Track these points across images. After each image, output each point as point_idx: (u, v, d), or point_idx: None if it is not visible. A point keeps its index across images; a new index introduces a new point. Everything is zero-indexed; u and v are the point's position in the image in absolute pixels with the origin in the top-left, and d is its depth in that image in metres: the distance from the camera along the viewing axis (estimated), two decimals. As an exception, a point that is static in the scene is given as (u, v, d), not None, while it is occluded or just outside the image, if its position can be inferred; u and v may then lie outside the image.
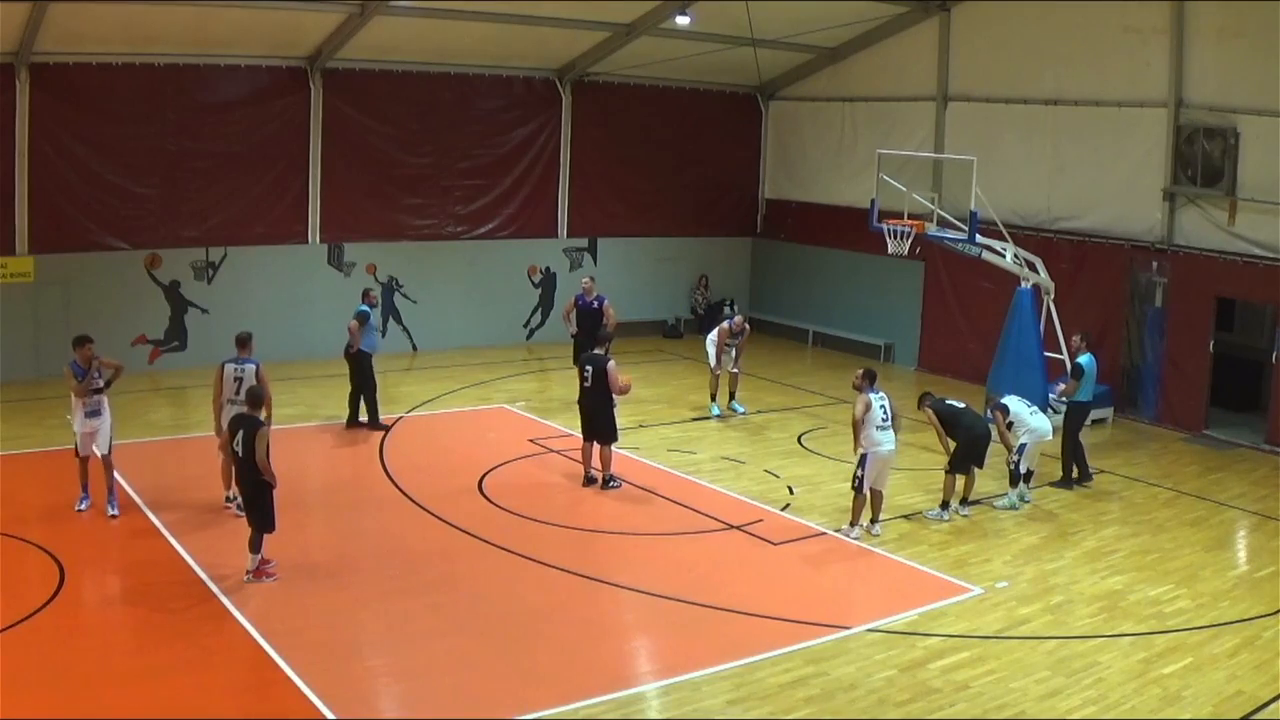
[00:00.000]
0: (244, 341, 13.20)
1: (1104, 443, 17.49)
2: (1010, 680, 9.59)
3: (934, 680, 9.55)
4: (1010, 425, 14.11)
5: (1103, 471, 15.84)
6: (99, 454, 12.53)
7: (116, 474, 13.98)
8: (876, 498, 12.93)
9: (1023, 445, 14.09)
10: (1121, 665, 9.94)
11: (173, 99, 19.29)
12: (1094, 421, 17.99)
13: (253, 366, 12.89)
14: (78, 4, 16.61)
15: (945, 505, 13.69)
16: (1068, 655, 10.10)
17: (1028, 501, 14.29)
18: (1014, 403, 14.25)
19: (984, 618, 10.87)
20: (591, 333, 17.92)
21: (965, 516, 13.71)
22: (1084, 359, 15.20)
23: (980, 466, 13.90)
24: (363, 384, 16.39)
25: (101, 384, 12.51)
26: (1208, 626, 10.85)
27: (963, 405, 14.04)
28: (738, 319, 18.32)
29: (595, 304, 18.38)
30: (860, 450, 12.69)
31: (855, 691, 9.34)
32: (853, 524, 12.85)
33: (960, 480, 13.79)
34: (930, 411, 13.82)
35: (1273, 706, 9.29)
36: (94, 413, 12.46)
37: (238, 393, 12.62)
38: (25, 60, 17.82)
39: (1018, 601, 11.29)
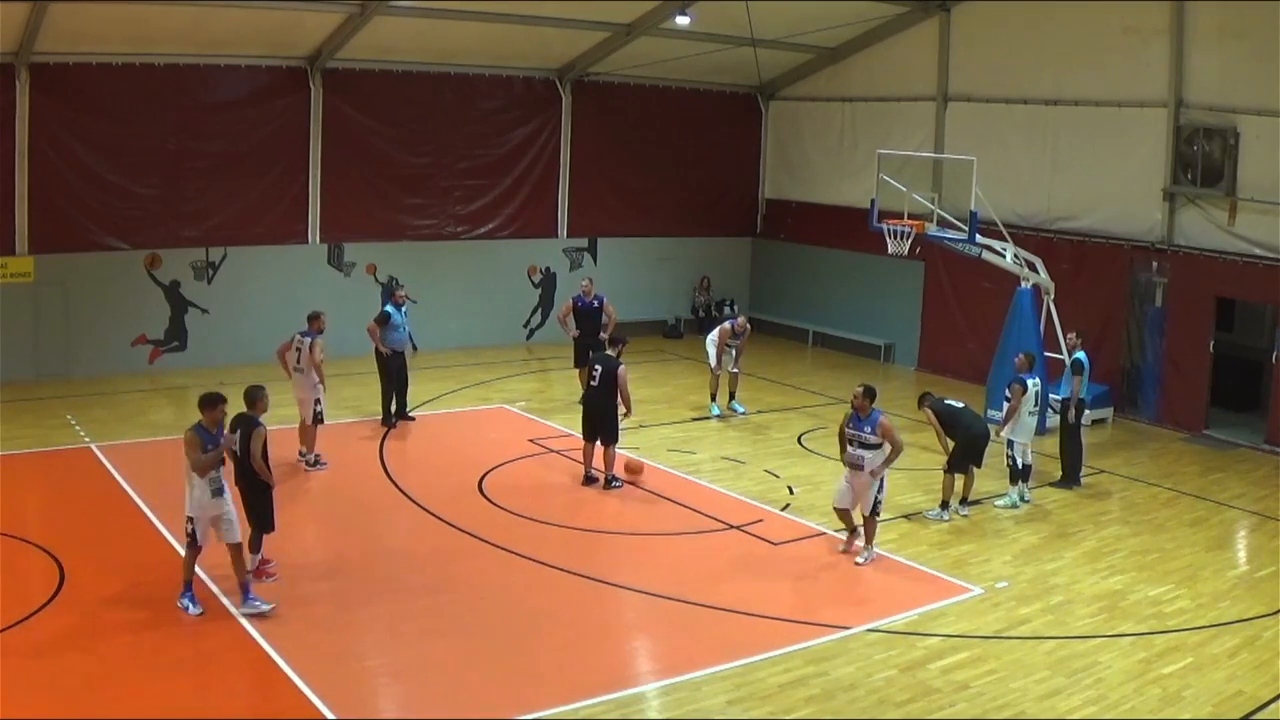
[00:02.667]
0: (311, 318, 14.76)
1: (1104, 443, 17.50)
2: (1010, 680, 9.60)
3: (934, 680, 9.55)
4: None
5: (1102, 471, 15.85)
6: (228, 542, 10.29)
7: (118, 475, 14.05)
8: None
9: (1010, 442, 14.14)
10: (1121, 665, 9.94)
11: (173, 99, 19.29)
12: (1094, 422, 18.03)
13: (309, 340, 14.51)
14: (78, 4, 16.61)
15: (945, 505, 13.69)
16: (1068, 655, 10.10)
17: (1028, 501, 14.30)
18: (1032, 388, 14.24)
19: (984, 618, 10.87)
20: (593, 332, 17.92)
21: (965, 516, 13.71)
22: (1081, 355, 15.18)
23: (979, 466, 13.90)
24: (382, 382, 16.73)
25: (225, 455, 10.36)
26: (1208, 626, 10.85)
27: (961, 405, 14.05)
28: (740, 319, 18.32)
29: (595, 303, 18.38)
30: (883, 475, 11.96)
31: (855, 691, 9.34)
32: (869, 544, 12.16)
33: (959, 480, 13.79)
34: (929, 411, 13.83)
35: (1273, 706, 9.29)
36: (220, 490, 10.20)
37: (298, 362, 14.51)
38: (25, 60, 17.82)
39: (1018, 601, 11.29)
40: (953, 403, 14.06)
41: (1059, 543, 13.05)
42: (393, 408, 16.87)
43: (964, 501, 13.85)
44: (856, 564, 12.04)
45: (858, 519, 12.23)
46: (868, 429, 11.78)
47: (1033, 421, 14.45)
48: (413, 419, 17.12)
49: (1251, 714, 9.18)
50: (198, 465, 10.04)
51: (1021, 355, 14.70)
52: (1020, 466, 14.21)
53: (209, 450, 10.09)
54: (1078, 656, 10.08)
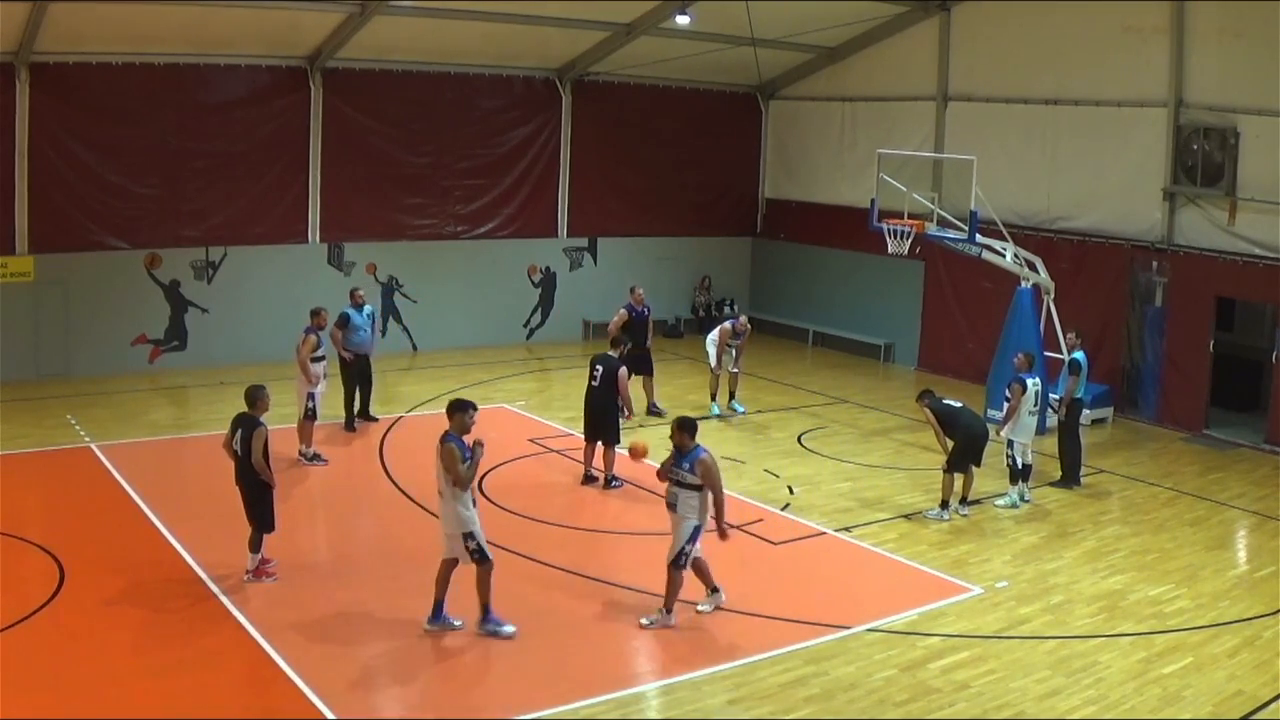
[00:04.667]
0: (311, 314, 15.13)
1: (1104, 443, 17.50)
2: (1010, 680, 9.60)
3: (934, 680, 9.56)
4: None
5: (1102, 471, 15.85)
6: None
7: (118, 475, 14.06)
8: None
9: (1010, 442, 14.15)
10: (1121, 665, 9.94)
11: (173, 99, 19.29)
12: (1094, 421, 18.03)
13: (303, 335, 14.80)
14: (78, 4, 16.61)
15: (945, 505, 13.69)
16: (1068, 655, 10.10)
17: (1028, 501, 14.30)
18: (1032, 387, 14.24)
19: (984, 618, 10.87)
20: (642, 342, 17.66)
21: (965, 516, 13.71)
22: (1079, 355, 15.19)
23: (978, 465, 13.90)
24: (344, 384, 16.38)
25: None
26: (1208, 626, 10.86)
27: (960, 404, 14.04)
28: (741, 319, 18.32)
29: (645, 312, 18.04)
30: (696, 521, 10.33)
31: (855, 691, 9.34)
32: (714, 590, 10.73)
33: (959, 479, 13.79)
34: (928, 411, 13.83)
35: (1273, 706, 9.29)
36: (474, 500, 9.81)
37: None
38: (25, 60, 17.82)
39: (1018, 601, 11.29)
40: (951, 402, 14.06)
41: (1059, 542, 13.05)
42: (355, 409, 16.55)
43: (964, 501, 13.85)
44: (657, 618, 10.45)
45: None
46: (686, 466, 10.24)
47: (1033, 421, 14.46)
48: (376, 419, 16.84)
49: (1251, 714, 9.18)
50: (463, 479, 9.54)
51: (1021, 355, 14.70)
52: (1020, 466, 14.21)
53: (467, 460, 9.59)
54: (1078, 656, 10.08)
